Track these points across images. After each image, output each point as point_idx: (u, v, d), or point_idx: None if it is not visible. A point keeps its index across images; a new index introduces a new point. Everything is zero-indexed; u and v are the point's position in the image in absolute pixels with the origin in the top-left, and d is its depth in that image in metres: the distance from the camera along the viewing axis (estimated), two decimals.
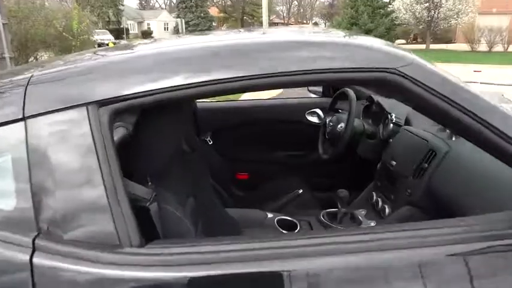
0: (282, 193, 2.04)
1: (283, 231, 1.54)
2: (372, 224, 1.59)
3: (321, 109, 2.24)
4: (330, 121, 1.97)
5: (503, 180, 1.07)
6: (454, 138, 1.48)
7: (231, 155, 2.28)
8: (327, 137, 1.97)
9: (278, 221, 1.59)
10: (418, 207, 1.48)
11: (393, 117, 1.78)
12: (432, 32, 22.77)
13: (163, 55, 0.92)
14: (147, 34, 34.96)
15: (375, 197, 1.69)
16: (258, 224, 1.58)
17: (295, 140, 2.31)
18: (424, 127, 1.66)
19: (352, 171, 2.08)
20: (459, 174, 1.34)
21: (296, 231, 1.54)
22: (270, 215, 1.62)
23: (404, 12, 21.66)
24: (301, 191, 1.67)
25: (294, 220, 1.61)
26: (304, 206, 1.88)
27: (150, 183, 0.97)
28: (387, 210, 1.56)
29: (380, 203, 1.63)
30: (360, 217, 1.63)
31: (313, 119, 2.26)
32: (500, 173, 1.05)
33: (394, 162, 1.60)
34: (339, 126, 1.89)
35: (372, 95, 1.97)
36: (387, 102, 1.84)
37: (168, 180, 1.10)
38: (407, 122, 1.77)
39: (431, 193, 1.41)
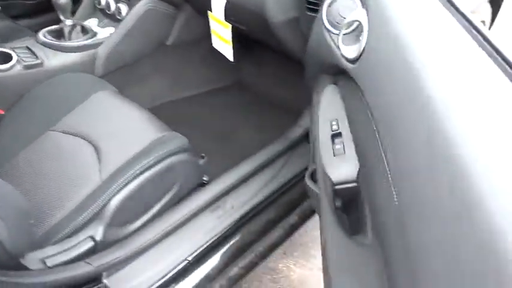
0: None
1: None
2: (111, 30, 1.32)
3: None
4: None
5: None
6: None
7: None
8: None
9: None
10: None
11: None
12: None
13: None
14: None
15: (103, 0, 1.37)
16: None
17: None
18: None
19: None
20: None
21: (11, 62, 1.11)
22: None
23: None
24: None
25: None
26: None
27: None
28: (124, 10, 1.30)
29: (113, 4, 1.33)
30: (92, 28, 1.31)
31: None
32: None
33: None
34: None
35: None
36: None
37: None
38: None
39: None
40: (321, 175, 0.70)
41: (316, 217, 1.22)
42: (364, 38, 0.57)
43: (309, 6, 0.99)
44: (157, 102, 1.46)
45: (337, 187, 0.67)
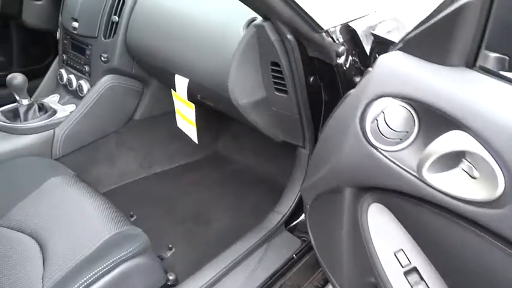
0: None
1: None
2: (71, 107, 1.22)
3: None
4: None
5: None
6: None
7: None
8: None
9: None
10: (120, 74, 1.20)
11: None
12: None
13: None
14: None
15: (65, 76, 1.29)
16: None
17: None
18: None
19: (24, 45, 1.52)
20: (151, 22, 1.10)
21: None
22: None
23: None
24: None
25: None
26: None
27: None
28: (86, 87, 1.21)
29: (74, 81, 1.25)
30: (52, 105, 1.22)
31: None
32: None
33: (75, 24, 1.20)
34: None
35: None
36: None
37: None
38: None
39: (130, 50, 1.14)
40: None
41: None
42: (500, 177, 0.42)
43: (278, 87, 0.90)
44: (125, 180, 1.35)
45: None
